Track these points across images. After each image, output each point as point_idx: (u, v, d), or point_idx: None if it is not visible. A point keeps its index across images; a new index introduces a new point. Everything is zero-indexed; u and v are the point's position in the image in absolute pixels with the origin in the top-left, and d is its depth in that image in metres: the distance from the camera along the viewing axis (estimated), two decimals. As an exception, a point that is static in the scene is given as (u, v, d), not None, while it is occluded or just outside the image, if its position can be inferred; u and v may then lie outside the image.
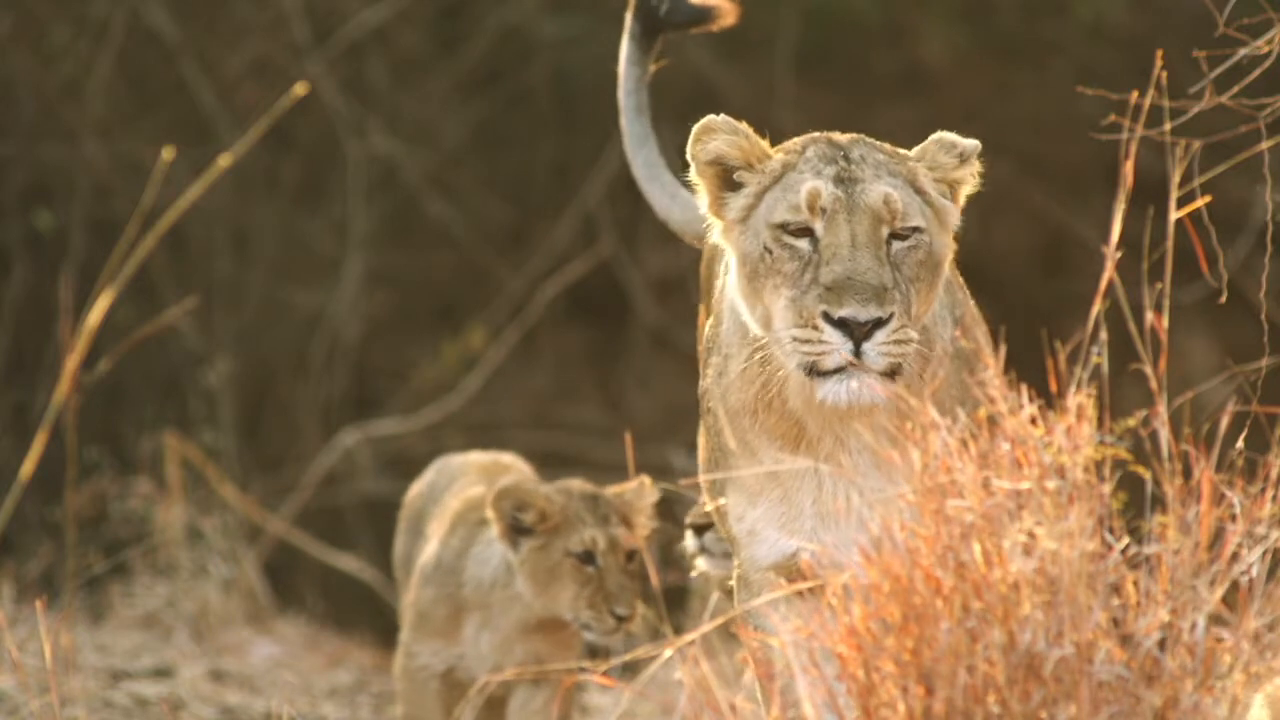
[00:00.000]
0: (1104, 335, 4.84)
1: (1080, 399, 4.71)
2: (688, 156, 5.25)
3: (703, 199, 5.25)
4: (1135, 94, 5.29)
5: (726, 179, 5.23)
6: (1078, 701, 4.46)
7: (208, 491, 10.52)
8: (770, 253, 5.10)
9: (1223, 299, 5.77)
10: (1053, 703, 4.46)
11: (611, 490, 6.35)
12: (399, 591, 6.95)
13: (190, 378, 11.45)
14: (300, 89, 7.68)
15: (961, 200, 5.30)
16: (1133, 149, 5.07)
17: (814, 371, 5.02)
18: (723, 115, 5.23)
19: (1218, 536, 4.67)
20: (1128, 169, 5.01)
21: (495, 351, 11.81)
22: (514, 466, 6.82)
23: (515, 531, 6.27)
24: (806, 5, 11.64)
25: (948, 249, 5.24)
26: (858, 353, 5.00)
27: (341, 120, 11.70)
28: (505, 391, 11.91)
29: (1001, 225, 11.14)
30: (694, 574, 6.33)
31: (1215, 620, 4.60)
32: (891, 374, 5.01)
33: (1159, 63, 5.32)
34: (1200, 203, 5.27)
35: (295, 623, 10.46)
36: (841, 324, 4.99)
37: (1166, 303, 4.93)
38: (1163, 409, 4.78)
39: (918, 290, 5.11)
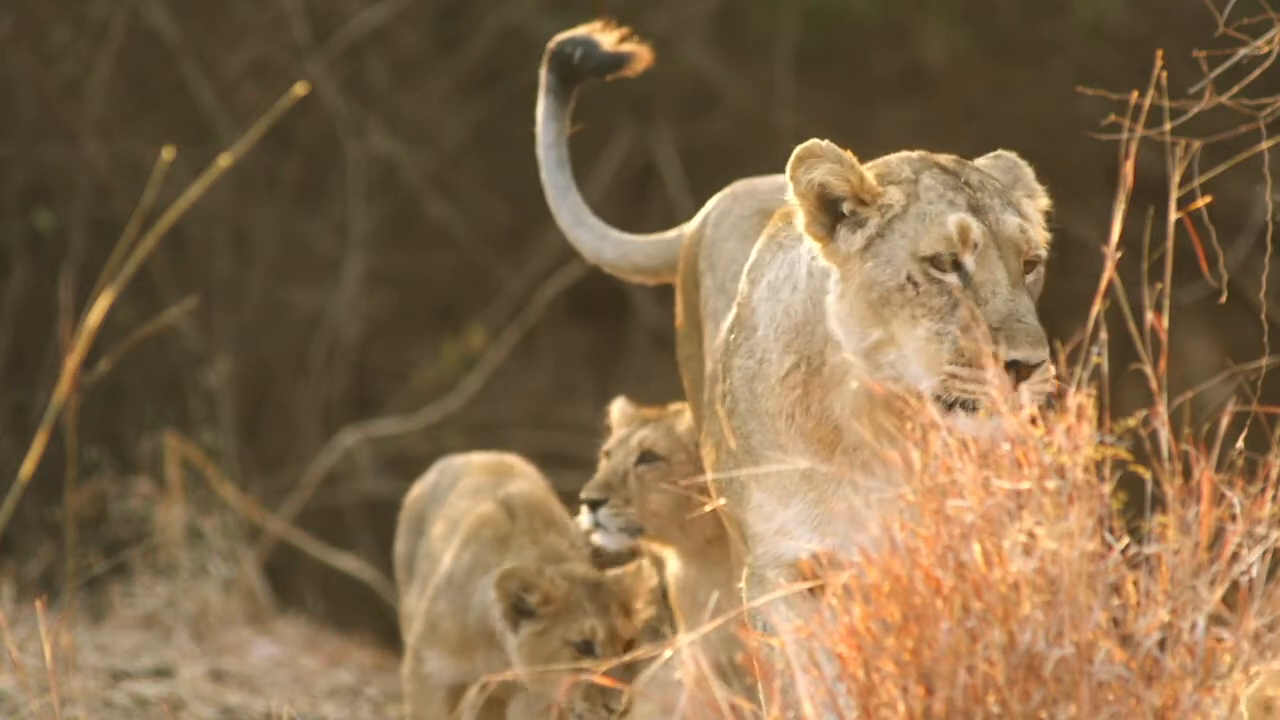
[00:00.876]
0: (1104, 335, 4.85)
1: (1080, 399, 4.71)
2: (786, 176, 5.24)
3: (800, 218, 5.22)
4: (1135, 94, 5.29)
5: (826, 203, 5.22)
6: (1078, 701, 4.46)
7: (208, 491, 10.52)
8: (916, 285, 5.09)
9: (1223, 299, 5.77)
10: (1053, 703, 4.46)
11: (612, 574, 6.33)
12: (399, 592, 6.95)
13: (190, 378, 11.45)
14: (300, 89, 7.68)
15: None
16: (1133, 149, 5.07)
17: (965, 407, 5.03)
18: (826, 142, 5.22)
19: (1218, 536, 4.67)
20: (1128, 169, 5.01)
21: (495, 351, 11.81)
22: (517, 467, 6.82)
23: (518, 612, 6.26)
24: (806, 5, 11.64)
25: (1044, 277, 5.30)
26: (1012, 392, 5.03)
27: (341, 120, 11.70)
28: (505, 391, 11.91)
29: (1001, 225, 11.10)
30: (588, 549, 6.35)
31: (1215, 620, 4.60)
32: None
33: (1159, 63, 5.32)
34: (1200, 203, 5.27)
35: (295, 623, 10.46)
36: (1011, 365, 5.01)
37: (1166, 303, 4.93)
38: (1163, 409, 4.78)
39: None
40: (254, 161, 11.32)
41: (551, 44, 6.58)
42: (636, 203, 12.10)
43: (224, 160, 7.66)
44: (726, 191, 6.16)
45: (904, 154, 5.27)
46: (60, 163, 11.52)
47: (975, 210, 5.14)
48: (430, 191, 11.89)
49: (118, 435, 11.18)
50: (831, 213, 5.20)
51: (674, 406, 6.36)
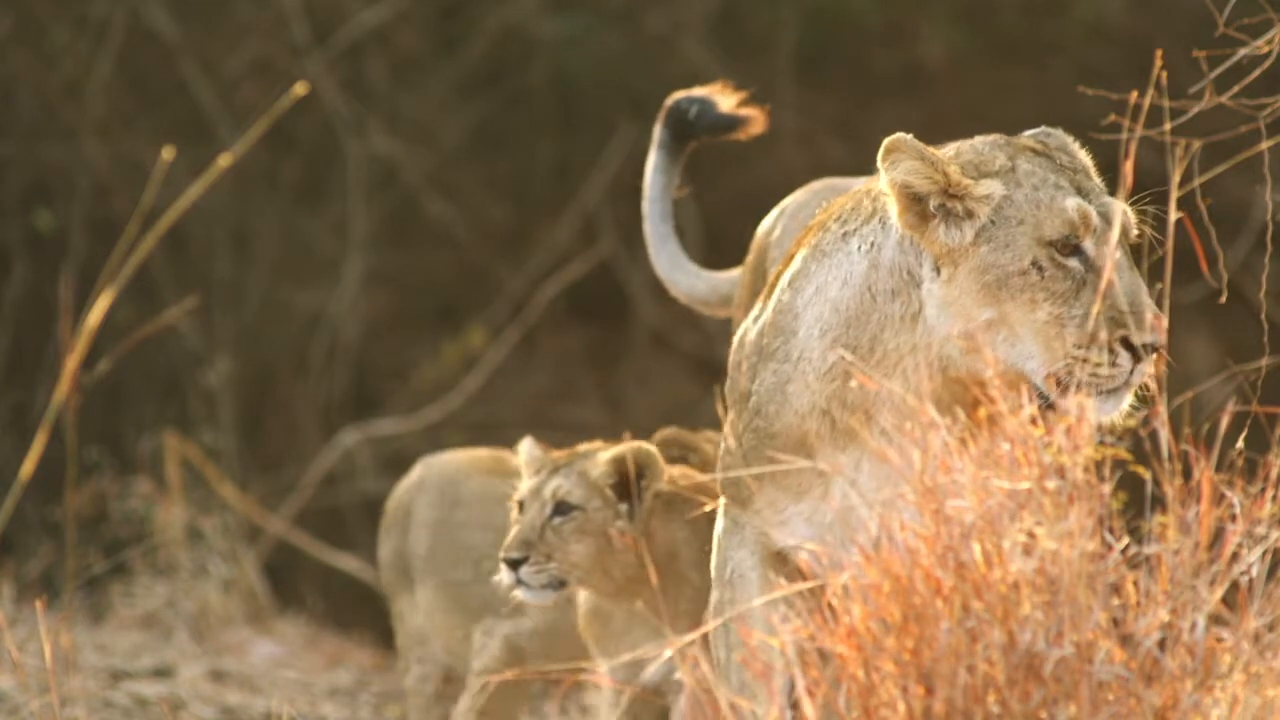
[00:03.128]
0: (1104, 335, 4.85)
1: (1080, 399, 4.71)
2: (878, 164, 5.30)
3: (893, 209, 5.27)
4: (1135, 94, 5.29)
5: (914, 198, 5.27)
6: (1078, 701, 4.46)
7: (208, 491, 10.53)
8: (1041, 270, 5.15)
9: (1223, 299, 5.78)
10: (1053, 703, 4.46)
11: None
12: (392, 597, 6.91)
13: (190, 378, 11.45)
14: (300, 89, 7.68)
15: None
16: (1133, 149, 5.07)
17: (1093, 389, 5.08)
18: (910, 138, 5.27)
19: (1218, 536, 4.67)
20: (1128, 169, 5.01)
21: (495, 351, 11.81)
22: (510, 462, 6.78)
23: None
24: (806, 5, 11.64)
25: None
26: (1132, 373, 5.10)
27: (341, 120, 11.71)
28: (505, 391, 11.91)
29: (1001, 225, 11.10)
30: (510, 606, 6.31)
31: (1215, 620, 4.60)
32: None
33: (1159, 63, 5.33)
34: (1200, 203, 5.28)
35: (295, 623, 10.46)
36: (1141, 349, 5.07)
37: (1166, 303, 4.94)
38: (1163, 409, 4.78)
39: None
40: (254, 161, 11.32)
41: (670, 100, 6.71)
42: (637, 203, 12.10)
43: (224, 160, 7.66)
44: (806, 187, 6.24)
45: (988, 139, 5.32)
46: (60, 163, 11.52)
47: (1081, 194, 5.21)
48: (430, 191, 11.90)
49: (118, 435, 11.19)
50: (922, 206, 5.26)
51: (583, 447, 6.26)
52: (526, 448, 6.25)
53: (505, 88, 11.95)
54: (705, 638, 5.27)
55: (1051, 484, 4.59)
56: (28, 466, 7.10)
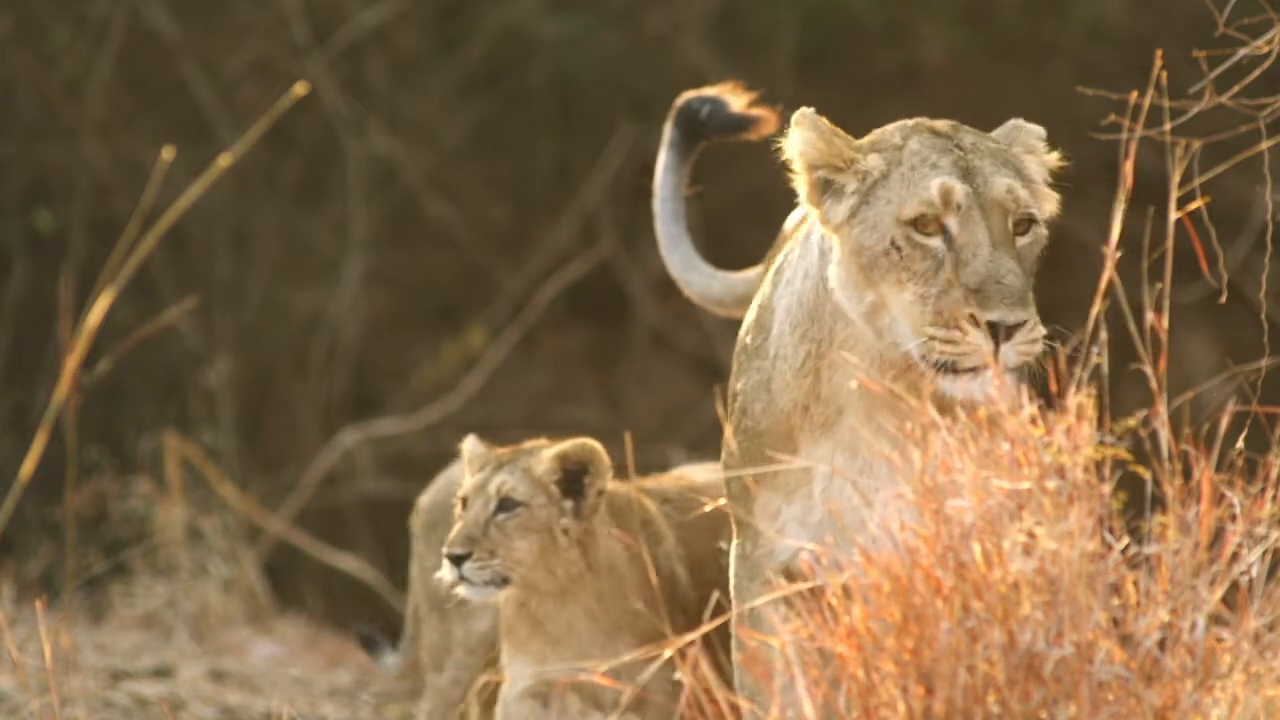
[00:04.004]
0: (1104, 335, 4.85)
1: (1080, 399, 4.71)
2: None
3: (800, 191, 5.28)
4: (1135, 94, 5.29)
5: (812, 169, 5.28)
6: (1078, 701, 4.46)
7: (208, 491, 10.52)
8: (899, 250, 5.14)
9: (1223, 299, 5.77)
10: (1053, 703, 4.46)
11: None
12: (428, 602, 6.78)
13: (190, 378, 11.45)
14: (300, 89, 7.68)
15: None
16: (1133, 149, 5.07)
17: (948, 369, 5.06)
18: (810, 111, 5.28)
19: (1218, 536, 4.67)
20: (1128, 169, 5.01)
21: (495, 351, 11.81)
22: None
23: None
24: (806, 5, 11.64)
25: (1045, 239, 5.30)
26: (995, 353, 5.05)
27: (341, 120, 11.70)
28: (505, 391, 11.91)
29: (1001, 225, 11.10)
30: (452, 604, 6.26)
31: (1215, 620, 4.59)
32: (1018, 370, 5.07)
33: (1159, 63, 5.32)
34: (1200, 203, 5.27)
35: (295, 623, 10.46)
36: (988, 326, 5.03)
37: (1166, 303, 4.93)
38: (1163, 409, 4.78)
39: (1032, 284, 5.17)
40: (254, 161, 11.31)
41: (680, 100, 6.70)
42: (637, 203, 12.10)
43: (224, 160, 7.66)
44: None
45: (902, 121, 5.31)
46: (60, 163, 11.52)
47: (963, 172, 5.17)
48: (430, 191, 11.90)
49: (118, 435, 11.18)
50: (818, 180, 5.26)
51: (529, 443, 6.21)
52: (470, 445, 6.21)
53: (505, 88, 11.95)
54: (705, 639, 5.27)
55: (1051, 484, 4.59)
56: (28, 466, 7.10)
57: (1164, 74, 5.31)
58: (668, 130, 6.79)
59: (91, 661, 9.07)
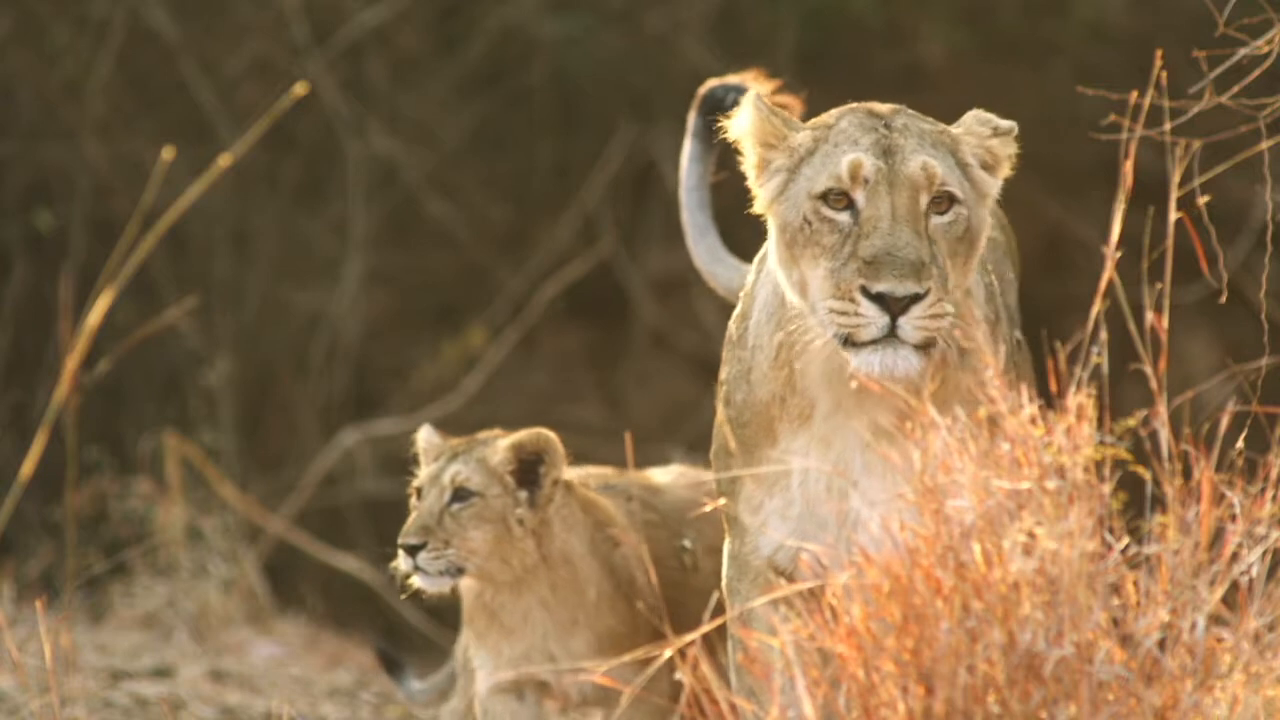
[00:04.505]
0: (1104, 335, 4.85)
1: (1080, 399, 4.71)
2: None
3: (748, 172, 5.32)
4: (1135, 94, 5.29)
5: (752, 147, 5.31)
6: (1078, 701, 4.46)
7: (208, 491, 10.52)
8: (810, 224, 5.16)
9: (1223, 299, 5.77)
10: (1053, 703, 4.46)
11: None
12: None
13: (190, 378, 11.45)
14: (300, 89, 7.68)
15: (1000, 179, 5.34)
16: (1133, 149, 5.07)
17: (849, 343, 5.07)
18: (754, 91, 5.30)
19: (1218, 536, 4.67)
20: (1128, 169, 5.01)
21: (495, 351, 11.81)
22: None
23: None
24: (806, 5, 11.64)
25: (985, 223, 5.28)
26: (893, 327, 5.04)
27: (341, 120, 11.70)
28: (505, 391, 11.91)
29: (1001, 225, 11.12)
30: (405, 595, 6.23)
31: (1215, 620, 4.60)
32: (925, 347, 5.05)
33: (1159, 63, 5.33)
34: (1203, 199, 5.28)
35: (295, 623, 10.46)
36: (879, 299, 5.03)
37: (1166, 303, 4.93)
38: (1163, 409, 4.78)
39: (955, 264, 5.15)
40: (254, 161, 11.31)
41: (704, 88, 6.66)
42: (637, 203, 12.10)
43: (224, 160, 7.66)
44: None
45: (856, 104, 5.33)
46: (60, 163, 11.51)
47: (883, 150, 5.18)
48: (430, 191, 11.89)
49: (118, 435, 11.18)
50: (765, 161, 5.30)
51: (484, 434, 6.17)
52: (425, 435, 6.20)
53: (505, 88, 11.94)
54: (705, 639, 5.27)
55: (1051, 484, 4.59)
56: (28, 466, 7.10)
57: (1164, 74, 5.31)
58: (692, 119, 6.75)
59: (91, 661, 9.07)
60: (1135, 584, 4.60)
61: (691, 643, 4.99)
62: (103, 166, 11.43)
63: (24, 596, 10.05)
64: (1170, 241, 5.01)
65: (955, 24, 11.58)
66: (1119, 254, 4.99)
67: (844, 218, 5.15)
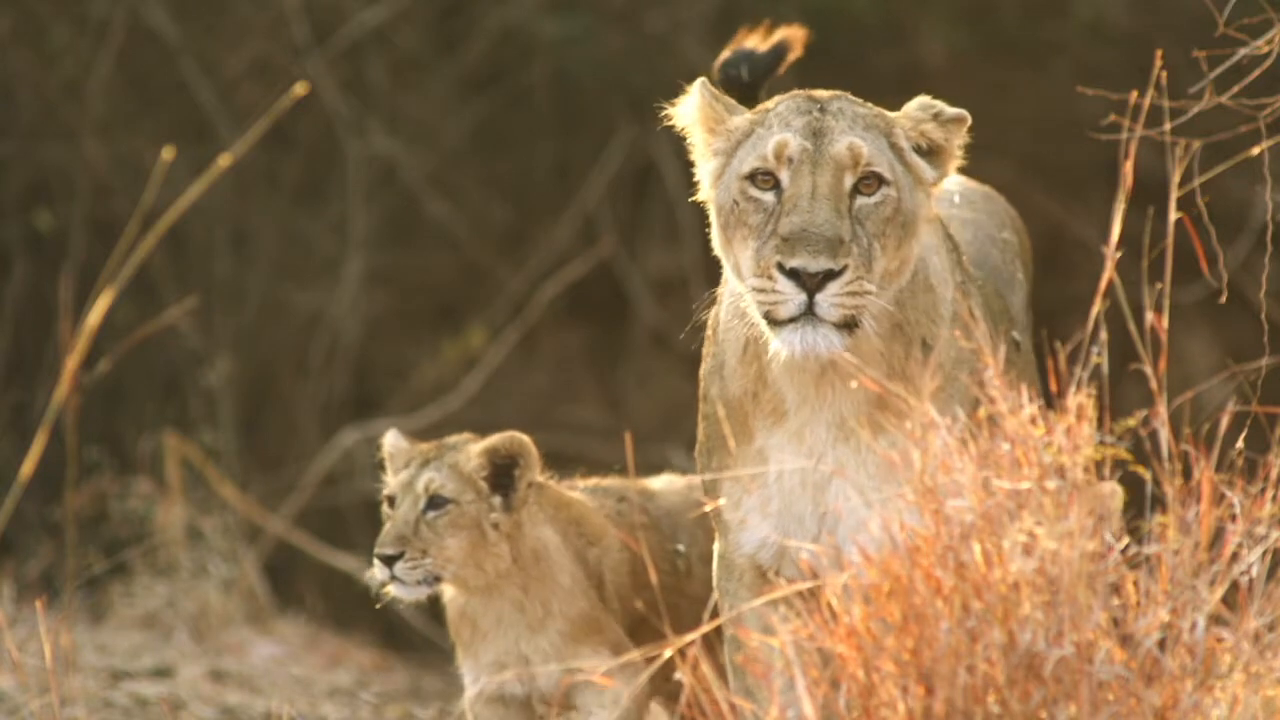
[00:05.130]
0: (1104, 335, 4.85)
1: (1080, 399, 4.71)
2: None
3: (695, 158, 5.36)
4: (1135, 94, 5.29)
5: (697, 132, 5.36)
6: (1078, 701, 4.46)
7: (208, 491, 10.52)
8: (738, 205, 5.20)
9: (1223, 299, 5.77)
10: (1053, 703, 4.46)
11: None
12: None
13: (190, 378, 11.45)
14: (300, 89, 7.68)
15: (950, 168, 5.33)
16: (1133, 149, 5.07)
17: (771, 321, 5.09)
18: (703, 80, 5.33)
19: (1218, 536, 4.67)
20: (1128, 169, 5.01)
21: (495, 351, 11.81)
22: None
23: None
24: (806, 5, 11.64)
25: (922, 208, 5.26)
26: (811, 304, 5.05)
27: (341, 120, 11.70)
28: (505, 391, 11.91)
29: (1001, 225, 11.12)
30: (380, 605, 6.19)
31: (1215, 620, 4.60)
32: (846, 326, 5.06)
33: (1159, 63, 5.33)
34: (1204, 199, 5.28)
35: (295, 623, 10.46)
36: (793, 274, 5.05)
37: (1166, 303, 4.93)
38: (1163, 409, 4.78)
39: (883, 245, 5.15)
40: (254, 161, 11.31)
41: (717, 69, 6.62)
42: (637, 203, 12.10)
43: (224, 160, 7.66)
44: None
45: (800, 90, 5.36)
46: (60, 163, 11.52)
47: (812, 132, 5.19)
48: (430, 191, 11.89)
49: (118, 435, 11.18)
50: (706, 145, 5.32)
51: (453, 438, 6.12)
52: (391, 440, 6.14)
53: (505, 88, 11.94)
54: (705, 639, 5.28)
55: (1051, 484, 4.59)
56: (28, 466, 7.10)
57: (1164, 74, 5.31)
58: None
59: (91, 661, 9.07)
60: (1135, 584, 4.60)
61: (691, 643, 4.99)
62: (103, 166, 11.43)
63: (24, 596, 10.05)
64: (1170, 241, 5.01)
65: (955, 24, 11.58)
66: (1119, 254, 4.99)
67: (769, 197, 5.18)
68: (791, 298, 5.05)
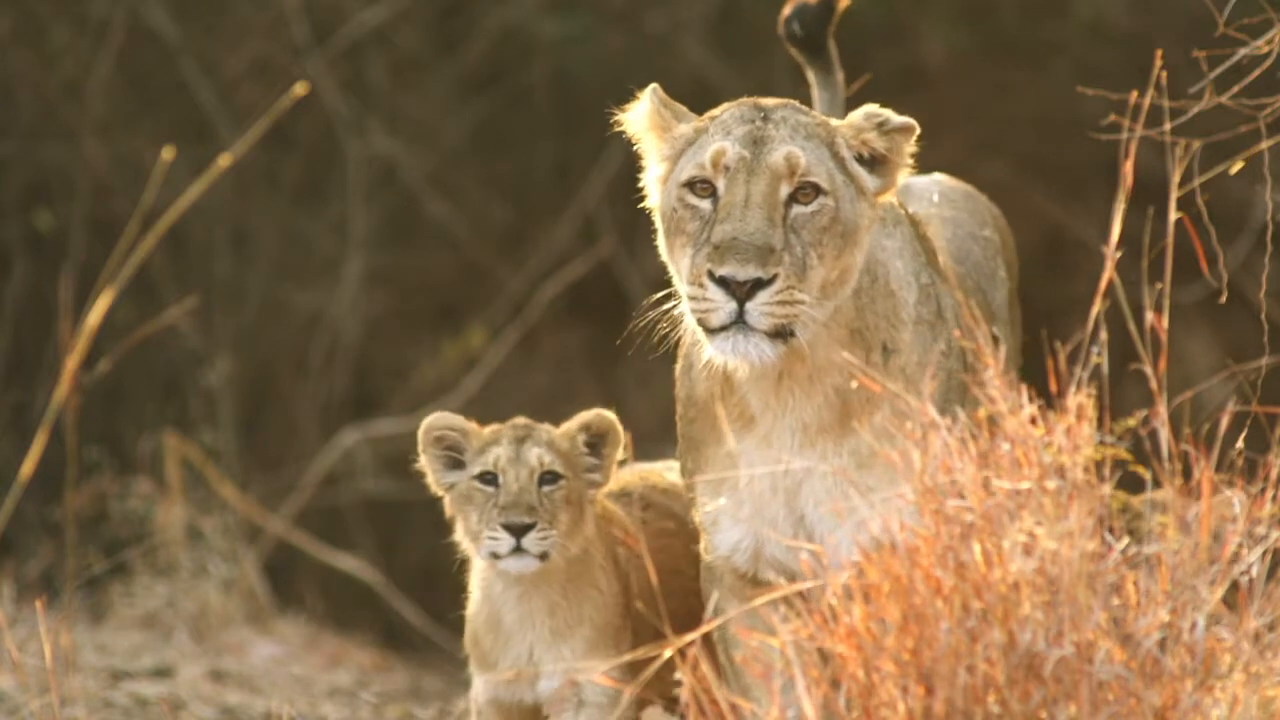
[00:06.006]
0: (1104, 335, 4.85)
1: (1080, 399, 4.71)
2: None
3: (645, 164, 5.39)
4: (1135, 94, 5.29)
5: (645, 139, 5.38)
6: (1078, 701, 4.46)
7: (208, 491, 10.52)
8: (677, 212, 5.23)
9: (1223, 299, 5.78)
10: (1053, 703, 4.46)
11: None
12: None
13: (190, 378, 11.45)
14: (300, 89, 7.68)
15: (897, 177, 5.31)
16: (1133, 149, 5.07)
17: (705, 328, 5.11)
18: (655, 86, 5.35)
19: (1217, 537, 4.67)
20: (1128, 169, 5.01)
21: (495, 351, 11.81)
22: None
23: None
24: (806, 5, 11.63)
25: (863, 217, 5.25)
26: (742, 312, 5.05)
27: (341, 120, 11.71)
28: (505, 391, 11.91)
29: (1001, 225, 11.12)
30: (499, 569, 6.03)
31: (1215, 620, 4.60)
32: (779, 335, 5.06)
33: (1159, 63, 5.33)
34: (1204, 197, 5.28)
35: (295, 623, 10.46)
36: (723, 282, 5.06)
37: (1166, 303, 4.94)
38: (1163, 409, 4.78)
39: (820, 255, 5.14)
40: (254, 161, 11.31)
41: (782, 31, 6.57)
42: (637, 203, 12.09)
43: (224, 160, 7.66)
44: None
45: (748, 97, 5.36)
46: (60, 163, 11.52)
47: (752, 140, 5.20)
48: (430, 191, 11.90)
49: (118, 435, 11.18)
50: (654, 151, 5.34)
51: (520, 420, 5.99)
52: (448, 419, 6.00)
53: (505, 88, 11.95)
54: (706, 639, 5.28)
55: (1051, 484, 4.59)
56: (28, 466, 7.10)
57: (1164, 74, 5.32)
58: (792, 54, 6.68)
59: (91, 661, 9.07)
60: (1135, 584, 4.60)
61: (691, 643, 4.99)
62: (103, 166, 11.43)
63: (24, 596, 10.05)
64: (1170, 241, 5.01)
65: (955, 24, 11.58)
66: (1119, 254, 4.99)
67: (706, 205, 5.20)
68: (722, 306, 5.07)
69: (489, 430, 5.99)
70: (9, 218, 11.54)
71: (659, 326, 5.31)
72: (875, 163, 5.28)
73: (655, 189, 5.34)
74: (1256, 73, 5.84)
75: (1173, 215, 5.01)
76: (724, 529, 5.39)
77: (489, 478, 5.91)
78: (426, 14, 11.93)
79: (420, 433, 6.04)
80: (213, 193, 9.62)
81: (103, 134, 11.46)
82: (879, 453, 5.13)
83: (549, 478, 5.88)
